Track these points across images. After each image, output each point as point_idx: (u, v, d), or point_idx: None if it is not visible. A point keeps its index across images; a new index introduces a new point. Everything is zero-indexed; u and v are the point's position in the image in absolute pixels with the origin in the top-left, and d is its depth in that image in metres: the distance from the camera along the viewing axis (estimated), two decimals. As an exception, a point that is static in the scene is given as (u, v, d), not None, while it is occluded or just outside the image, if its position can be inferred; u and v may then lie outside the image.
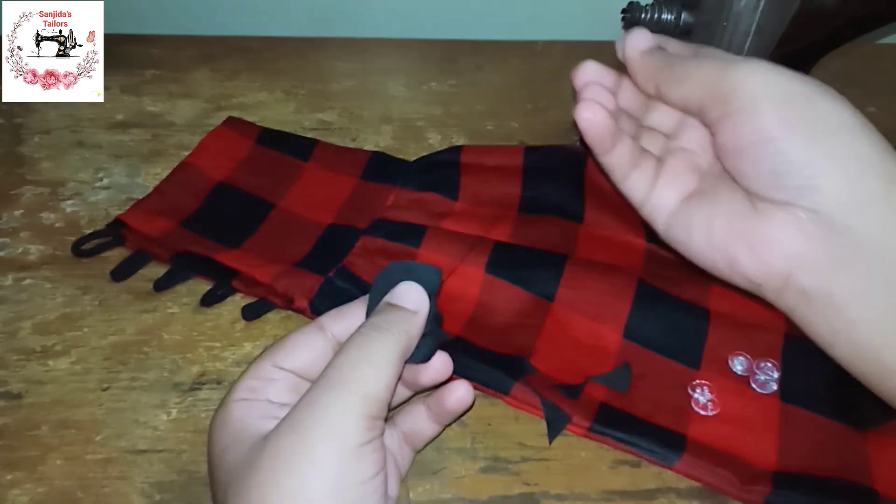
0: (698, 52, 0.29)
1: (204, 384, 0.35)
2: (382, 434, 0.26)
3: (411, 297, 0.28)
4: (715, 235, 0.27)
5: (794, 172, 0.24)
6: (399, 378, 0.27)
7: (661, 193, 0.30)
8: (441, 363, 0.29)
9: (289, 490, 0.23)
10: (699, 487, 0.32)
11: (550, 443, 0.33)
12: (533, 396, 0.34)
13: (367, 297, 0.30)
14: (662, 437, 0.32)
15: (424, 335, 0.28)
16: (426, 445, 0.32)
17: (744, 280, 0.27)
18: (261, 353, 0.29)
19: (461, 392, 0.29)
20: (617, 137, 0.29)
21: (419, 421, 0.30)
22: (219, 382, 0.35)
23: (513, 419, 0.34)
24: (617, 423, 0.33)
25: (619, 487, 0.32)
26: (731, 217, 0.27)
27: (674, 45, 0.30)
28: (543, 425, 0.33)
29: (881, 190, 0.24)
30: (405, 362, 0.28)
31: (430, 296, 0.29)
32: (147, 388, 0.35)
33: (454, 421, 0.32)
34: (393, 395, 0.26)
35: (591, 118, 0.28)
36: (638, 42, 0.29)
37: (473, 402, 0.30)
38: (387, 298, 0.28)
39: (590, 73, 0.29)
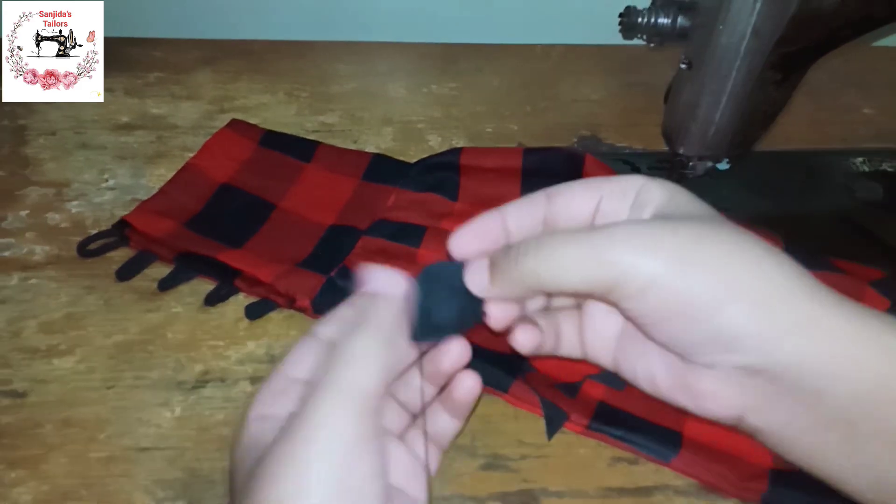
0: (549, 223, 0.27)
1: (207, 382, 0.35)
2: (379, 435, 0.25)
3: (381, 281, 0.28)
4: (657, 383, 0.26)
5: (710, 342, 0.23)
6: (394, 366, 0.26)
7: (594, 331, 0.28)
8: (459, 347, 0.29)
9: (280, 498, 0.23)
10: (696, 484, 0.32)
11: (549, 440, 0.33)
12: (532, 394, 0.34)
13: (350, 298, 0.29)
14: (659, 435, 0.33)
15: (451, 296, 0.28)
16: (451, 444, 0.32)
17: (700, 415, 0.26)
18: (273, 368, 0.29)
19: (469, 382, 0.29)
20: (543, 332, 0.28)
21: (438, 421, 0.30)
22: (222, 381, 0.36)
23: (512, 417, 0.34)
24: (614, 421, 0.33)
25: (617, 484, 0.32)
26: (666, 366, 0.26)
27: (514, 215, 0.27)
28: (542, 423, 0.34)
29: (805, 322, 0.22)
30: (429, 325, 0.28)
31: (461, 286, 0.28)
32: (151, 386, 0.35)
33: (471, 413, 0.32)
34: (388, 385, 0.26)
35: (525, 343, 0.28)
36: (476, 277, 0.27)
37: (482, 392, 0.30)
38: (363, 289, 0.28)
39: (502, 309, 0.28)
